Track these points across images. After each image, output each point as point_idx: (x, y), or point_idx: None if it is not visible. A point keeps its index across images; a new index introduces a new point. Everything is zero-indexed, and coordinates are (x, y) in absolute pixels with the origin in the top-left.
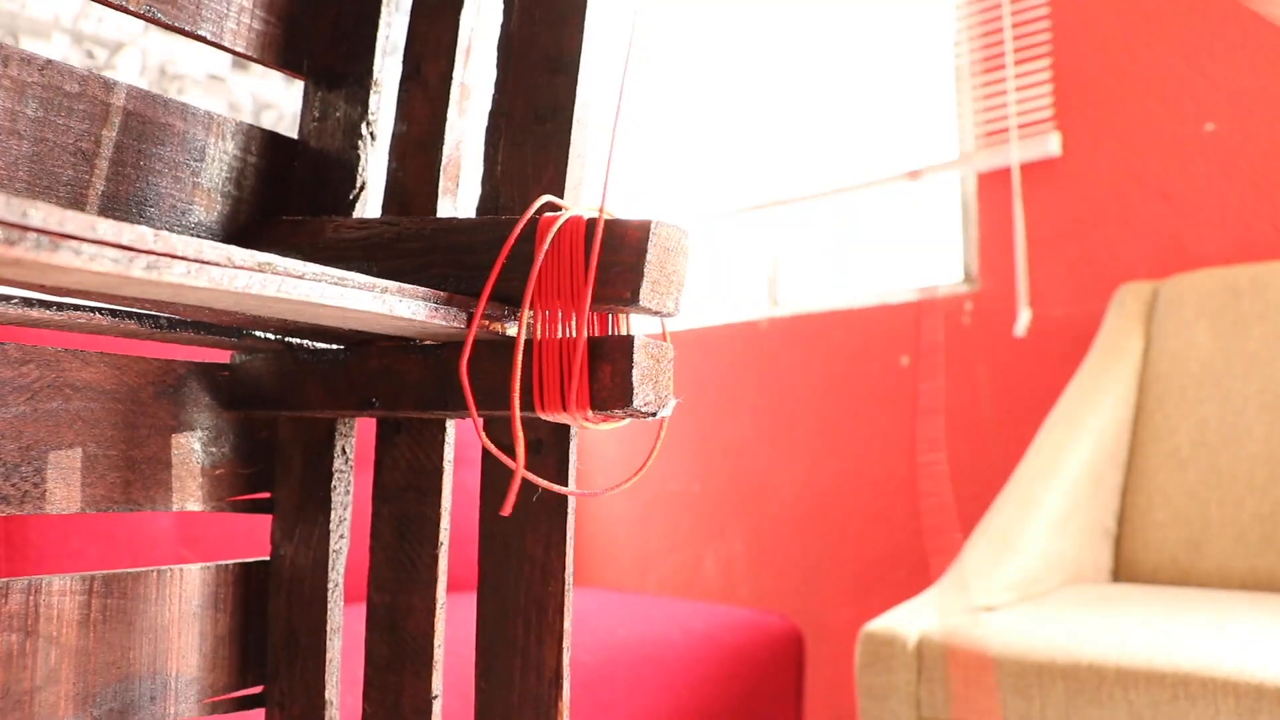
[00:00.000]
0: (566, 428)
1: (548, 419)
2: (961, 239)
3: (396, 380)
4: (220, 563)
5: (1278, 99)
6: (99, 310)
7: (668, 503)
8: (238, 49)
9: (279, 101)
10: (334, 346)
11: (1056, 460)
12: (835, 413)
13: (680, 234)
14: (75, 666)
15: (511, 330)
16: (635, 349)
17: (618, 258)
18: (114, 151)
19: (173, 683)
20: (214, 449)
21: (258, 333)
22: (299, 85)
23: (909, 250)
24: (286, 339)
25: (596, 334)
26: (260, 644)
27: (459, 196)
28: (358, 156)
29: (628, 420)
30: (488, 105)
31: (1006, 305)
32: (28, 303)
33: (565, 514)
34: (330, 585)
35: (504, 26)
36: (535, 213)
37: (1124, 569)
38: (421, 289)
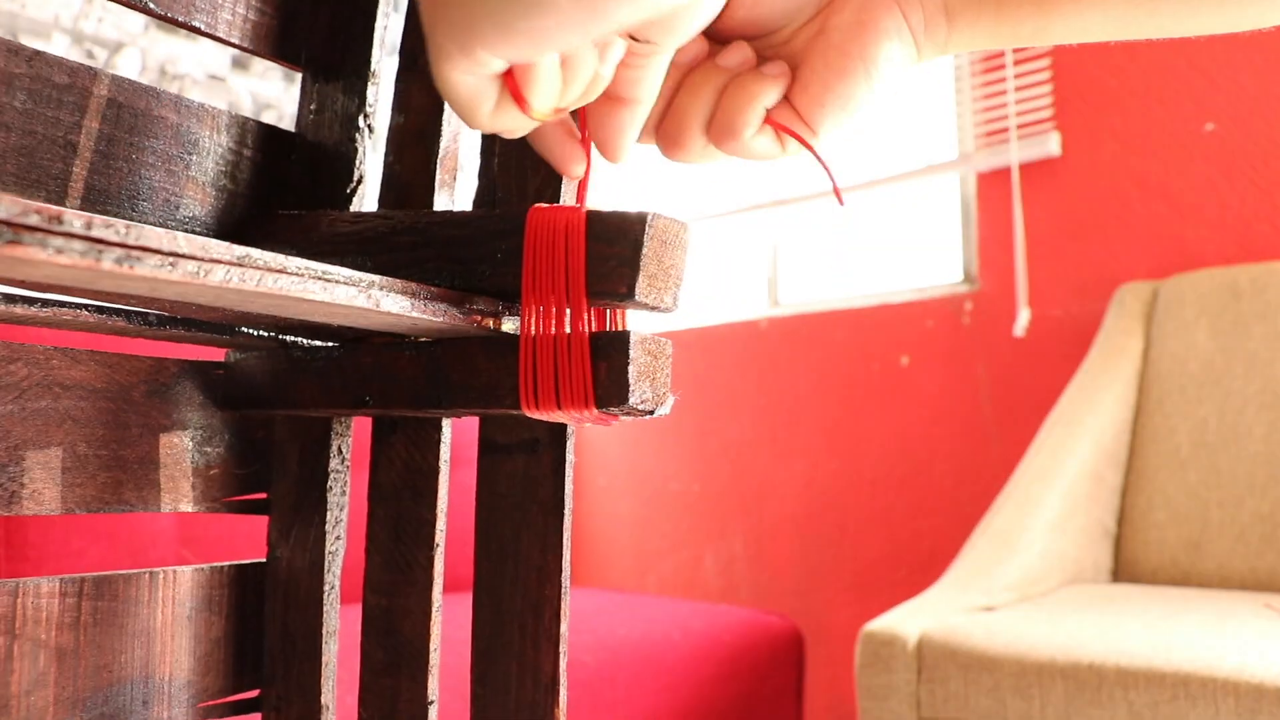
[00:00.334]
0: (563, 427)
1: (543, 418)
2: (961, 239)
3: (390, 378)
4: (215, 565)
5: (1278, 99)
6: (85, 307)
7: (668, 503)
8: (233, 40)
9: (279, 101)
10: (329, 344)
11: (1056, 460)
12: (835, 413)
13: (679, 227)
14: (64, 670)
15: (506, 326)
16: (631, 345)
17: (613, 251)
18: (105, 144)
19: (166, 687)
20: (208, 449)
21: (250, 330)
22: (298, 85)
23: (909, 250)
24: (281, 336)
25: (593, 330)
26: (256, 647)
27: (456, 190)
28: (355, 149)
29: (625, 418)
30: None
31: (1006, 305)
32: (10, 299)
33: (562, 515)
34: (326, 587)
35: None
36: (530, 205)
37: (1124, 569)
38: (410, 284)
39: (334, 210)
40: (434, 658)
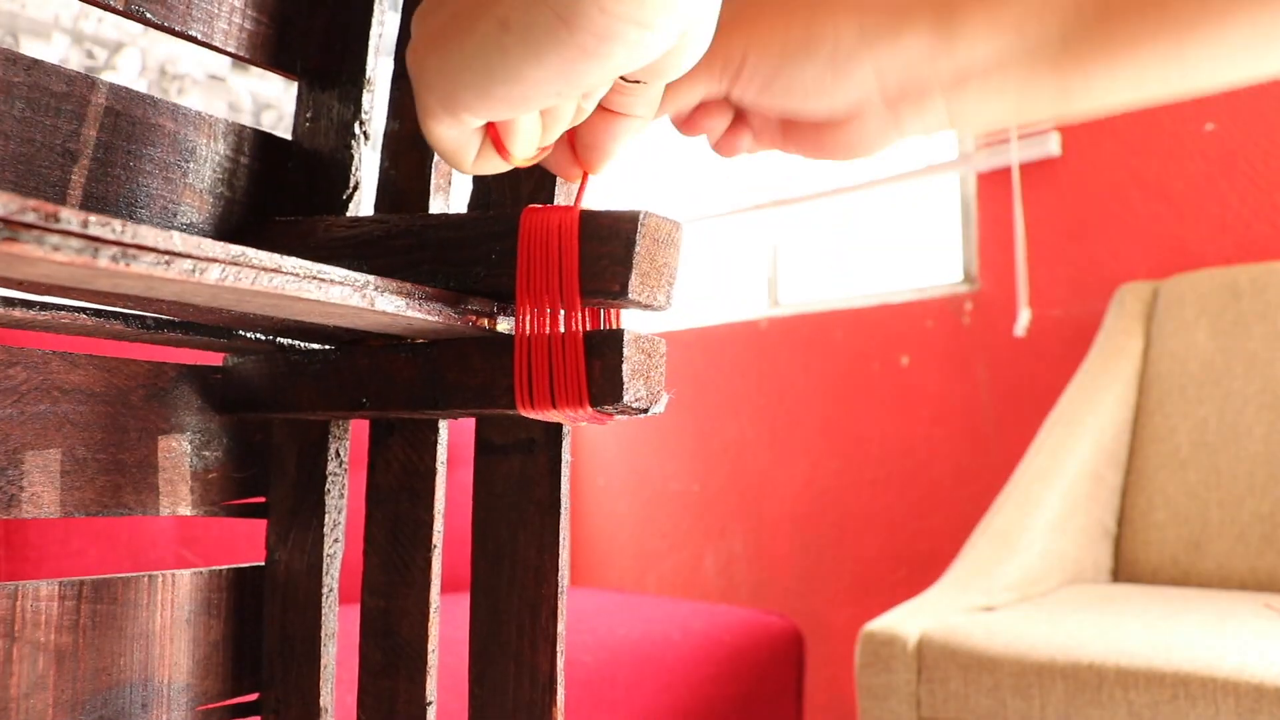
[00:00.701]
0: (559, 427)
1: (538, 418)
2: (961, 239)
3: (386, 380)
4: (213, 568)
5: (1278, 99)
6: (83, 310)
7: (668, 503)
8: (229, 49)
9: (279, 101)
10: (326, 347)
11: (1056, 460)
12: (835, 413)
13: (671, 225)
14: (63, 673)
15: (501, 326)
16: (625, 343)
17: (606, 250)
18: (103, 152)
19: (165, 690)
20: (206, 452)
21: (248, 333)
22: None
23: (909, 250)
24: (278, 340)
25: (588, 329)
26: (255, 650)
27: (451, 194)
28: (351, 156)
29: (620, 417)
30: None
31: (1006, 305)
32: (9, 303)
33: (559, 515)
34: (325, 590)
35: None
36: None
37: (1124, 569)
38: (404, 284)
39: (330, 216)
40: (432, 658)
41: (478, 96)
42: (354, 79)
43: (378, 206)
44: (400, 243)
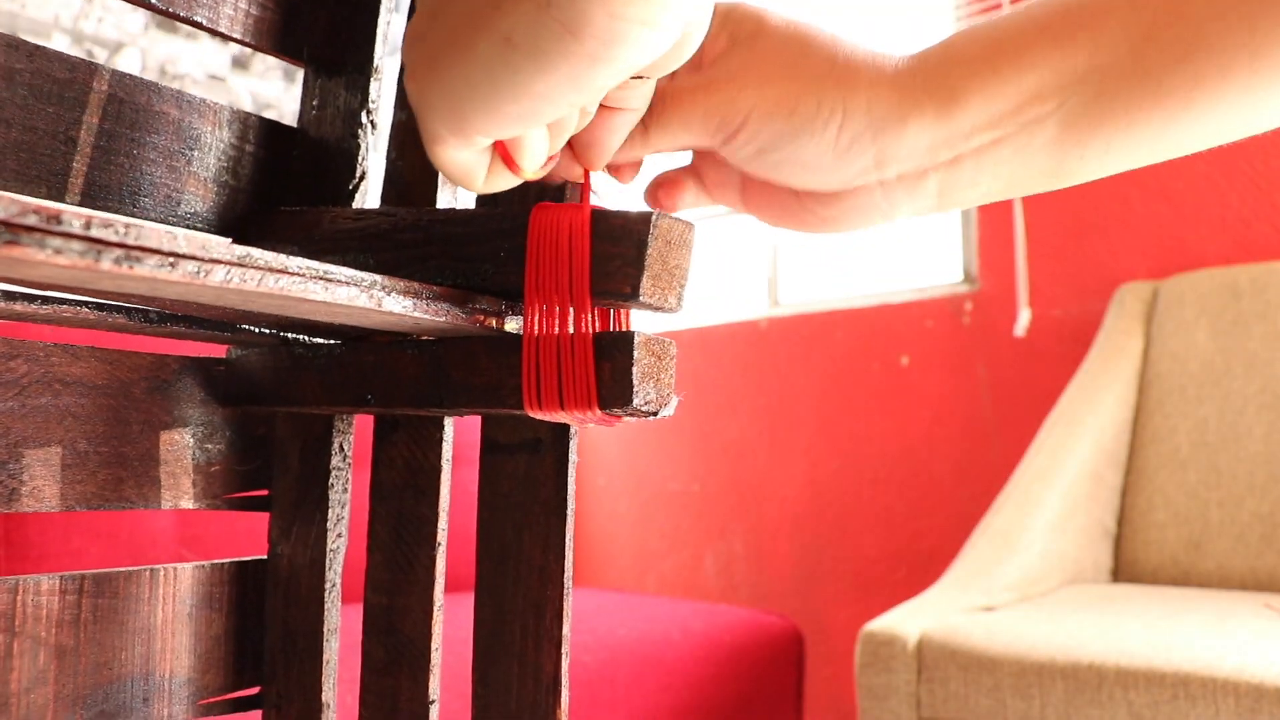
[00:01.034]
0: (566, 427)
1: (545, 419)
2: (961, 239)
3: (392, 376)
4: (215, 562)
5: None
6: (86, 304)
7: (668, 503)
8: (235, 35)
9: (279, 101)
10: (331, 342)
11: (1056, 460)
12: (835, 413)
13: (684, 227)
14: (64, 668)
15: (509, 325)
16: (636, 346)
17: (617, 250)
18: (106, 140)
19: (166, 684)
20: (209, 445)
21: (252, 327)
22: (298, 85)
23: (909, 250)
24: (282, 334)
25: (597, 330)
26: (256, 645)
27: (458, 189)
28: (357, 145)
29: (629, 419)
30: None
31: (1007, 305)
32: (10, 296)
33: (564, 516)
34: (328, 585)
35: None
36: (534, 204)
37: (1124, 569)
38: (412, 284)
39: (336, 207)
40: (435, 657)
41: (487, 116)
42: (361, 67)
43: (384, 198)
44: (407, 237)
